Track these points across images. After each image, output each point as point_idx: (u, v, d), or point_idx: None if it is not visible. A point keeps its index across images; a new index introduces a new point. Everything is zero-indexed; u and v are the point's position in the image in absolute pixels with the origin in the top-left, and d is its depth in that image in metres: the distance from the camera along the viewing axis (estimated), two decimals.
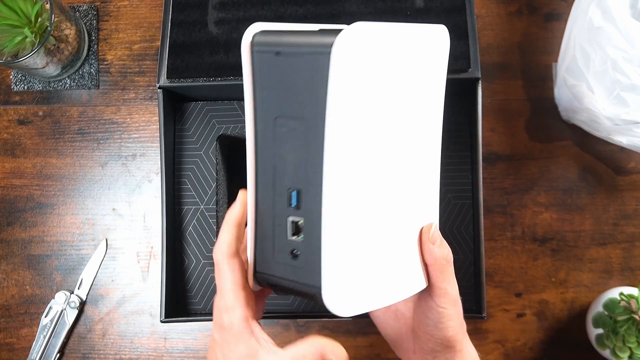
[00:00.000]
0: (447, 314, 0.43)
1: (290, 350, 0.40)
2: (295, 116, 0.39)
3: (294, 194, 0.40)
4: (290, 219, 0.40)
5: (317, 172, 0.38)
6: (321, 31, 0.40)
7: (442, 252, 0.43)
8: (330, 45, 0.36)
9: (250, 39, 0.41)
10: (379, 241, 0.41)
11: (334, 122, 0.37)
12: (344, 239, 0.39)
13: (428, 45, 0.42)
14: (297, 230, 0.40)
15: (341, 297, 0.39)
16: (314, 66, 0.37)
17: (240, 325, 0.40)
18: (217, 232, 0.61)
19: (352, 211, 0.39)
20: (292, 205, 0.40)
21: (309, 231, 0.39)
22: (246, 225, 0.43)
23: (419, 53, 0.41)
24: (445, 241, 0.44)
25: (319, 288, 0.38)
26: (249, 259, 0.42)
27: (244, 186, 0.43)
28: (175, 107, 0.62)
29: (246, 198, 0.42)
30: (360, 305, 0.40)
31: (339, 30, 0.36)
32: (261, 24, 0.41)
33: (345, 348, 0.42)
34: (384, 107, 0.40)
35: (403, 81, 0.41)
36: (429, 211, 0.45)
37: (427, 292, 0.44)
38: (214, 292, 0.60)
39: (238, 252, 0.42)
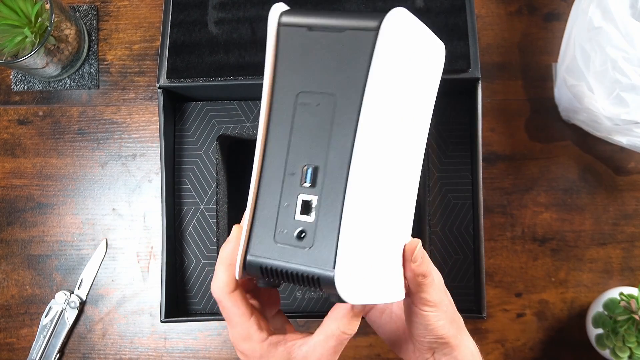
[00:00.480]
0: (432, 316, 0.44)
1: (320, 331, 0.41)
2: (323, 92, 0.39)
3: (309, 170, 0.39)
4: (302, 197, 0.39)
5: (343, 149, 0.38)
6: (352, 12, 0.40)
7: (421, 270, 0.43)
8: (377, 24, 0.37)
9: (279, 14, 0.40)
10: (383, 233, 0.41)
11: (372, 99, 0.37)
12: (361, 222, 0.38)
13: (433, 52, 0.43)
14: (305, 209, 0.39)
15: (352, 282, 0.38)
16: (354, 43, 0.38)
17: (262, 348, 0.41)
18: (217, 232, 0.61)
19: (370, 195, 0.39)
20: (306, 183, 0.39)
21: (324, 210, 0.38)
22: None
23: (428, 56, 0.42)
24: (427, 257, 0.43)
25: (331, 270, 0.37)
26: (240, 245, 0.40)
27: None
28: (175, 107, 0.62)
29: (239, 233, 0.41)
30: (365, 295, 0.40)
31: (375, 13, 0.38)
32: (283, 4, 0.41)
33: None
34: (402, 95, 0.40)
35: (414, 76, 0.41)
36: (409, 217, 0.45)
37: (410, 298, 0.44)
38: None
39: (237, 285, 0.41)
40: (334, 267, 0.37)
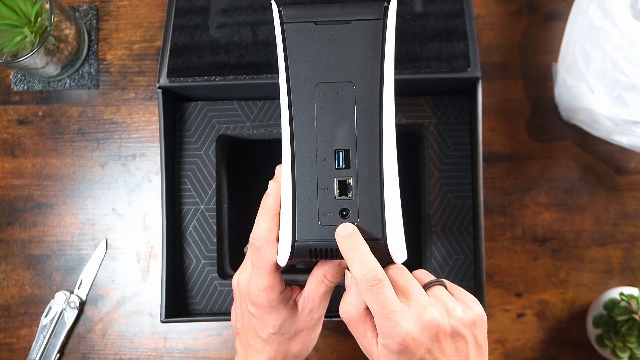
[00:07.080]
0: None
1: (310, 279, 0.47)
2: (341, 80, 0.43)
3: (341, 154, 0.43)
4: (337, 179, 0.43)
5: (372, 131, 0.42)
6: (349, 4, 0.44)
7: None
8: (382, 12, 0.42)
9: (280, 12, 0.44)
10: (398, 199, 0.44)
11: (388, 82, 0.42)
12: (394, 193, 0.43)
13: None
14: (344, 190, 0.43)
15: (396, 245, 0.43)
16: (364, 32, 0.42)
17: (277, 299, 0.46)
18: (217, 232, 0.61)
19: (395, 167, 0.43)
20: (340, 166, 0.43)
21: (362, 188, 0.42)
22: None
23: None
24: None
25: (382, 238, 0.42)
26: (281, 234, 0.44)
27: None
28: (175, 107, 0.62)
29: (279, 188, 0.44)
30: (403, 254, 0.44)
31: (372, 3, 0.42)
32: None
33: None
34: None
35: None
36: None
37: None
38: (214, 292, 0.60)
39: (277, 237, 0.44)
40: (383, 235, 0.42)
